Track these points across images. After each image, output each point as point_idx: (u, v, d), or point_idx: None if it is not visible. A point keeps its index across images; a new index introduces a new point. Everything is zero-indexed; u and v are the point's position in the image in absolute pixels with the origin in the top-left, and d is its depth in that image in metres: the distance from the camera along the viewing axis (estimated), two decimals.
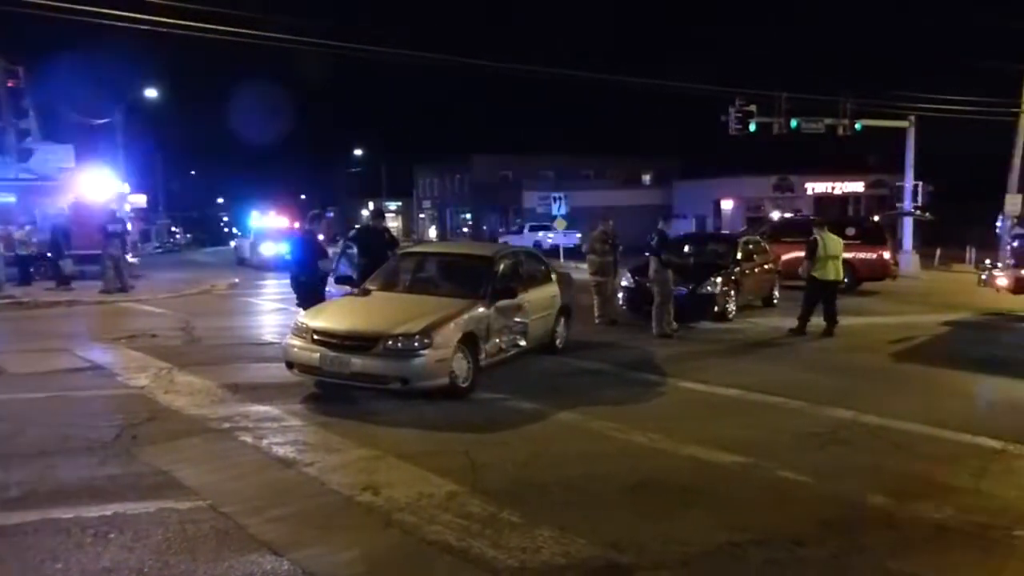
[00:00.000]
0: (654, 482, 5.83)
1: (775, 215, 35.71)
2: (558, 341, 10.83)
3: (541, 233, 44.19)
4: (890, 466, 6.24)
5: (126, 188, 24.92)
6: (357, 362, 7.84)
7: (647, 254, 12.63)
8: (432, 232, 71.23)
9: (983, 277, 15.69)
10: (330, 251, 11.10)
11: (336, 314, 8.71)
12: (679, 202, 50.11)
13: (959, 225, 28.16)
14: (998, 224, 22.58)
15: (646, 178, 61.46)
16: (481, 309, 8.74)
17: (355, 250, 12.12)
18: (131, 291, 19.06)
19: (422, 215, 75.31)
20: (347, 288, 9.82)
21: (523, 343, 9.60)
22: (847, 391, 8.76)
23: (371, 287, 9.67)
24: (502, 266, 9.84)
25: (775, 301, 16.03)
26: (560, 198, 28.44)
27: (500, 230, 54.33)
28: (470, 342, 8.37)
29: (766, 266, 15.92)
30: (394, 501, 5.35)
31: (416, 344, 7.78)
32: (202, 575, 4.33)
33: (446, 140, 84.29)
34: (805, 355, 11.15)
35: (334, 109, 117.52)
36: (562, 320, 10.94)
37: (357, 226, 18.65)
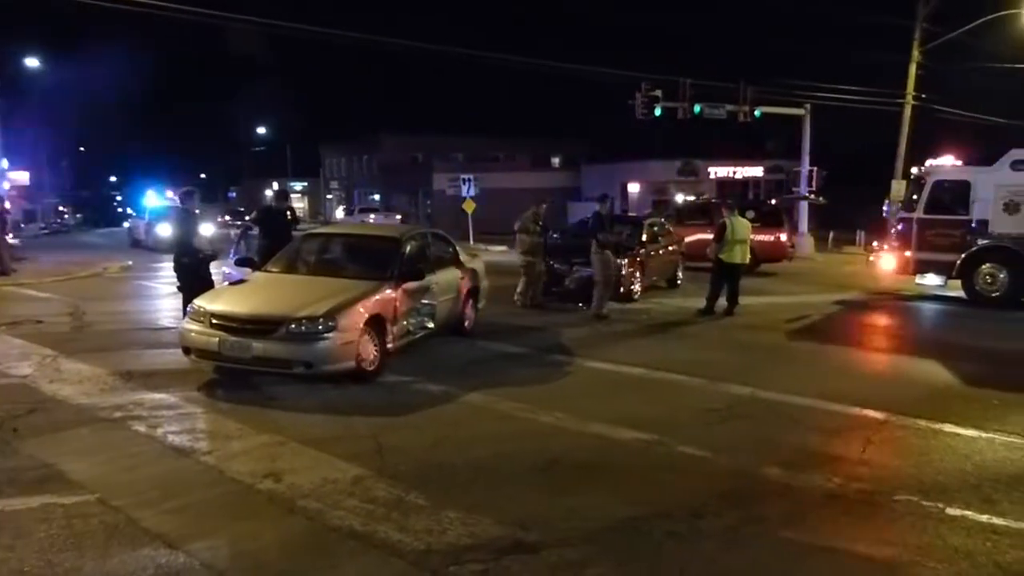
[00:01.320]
0: (560, 460, 5.88)
1: (679, 198, 36.57)
2: (467, 323, 10.79)
3: (369, 215, 51.34)
4: (785, 439, 6.49)
5: (4, 164, 23.37)
6: (259, 346, 7.60)
7: (554, 235, 12.69)
8: (340, 213, 69.92)
9: (872, 259, 16.53)
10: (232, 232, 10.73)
11: (236, 297, 8.42)
12: (587, 185, 50.51)
13: (850, 209, 29.45)
14: (885, 208, 23.78)
15: (555, 161, 61.75)
16: (388, 291, 8.61)
17: (256, 231, 11.81)
18: (13, 275, 18.01)
19: (329, 196, 73.66)
20: (247, 270, 9.52)
21: (431, 325, 9.52)
22: (746, 368, 9.06)
23: (273, 269, 9.41)
24: (409, 247, 9.71)
25: (679, 282, 16.44)
26: (469, 180, 28.40)
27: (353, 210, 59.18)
28: (377, 324, 8.24)
29: (671, 248, 16.29)
30: (297, 488, 5.22)
31: (321, 327, 7.61)
32: (89, 572, 4.12)
33: (354, 119, 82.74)
34: (707, 334, 11.48)
35: (238, 86, 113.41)
36: (471, 302, 10.91)
37: (241, 209, 18.12)
